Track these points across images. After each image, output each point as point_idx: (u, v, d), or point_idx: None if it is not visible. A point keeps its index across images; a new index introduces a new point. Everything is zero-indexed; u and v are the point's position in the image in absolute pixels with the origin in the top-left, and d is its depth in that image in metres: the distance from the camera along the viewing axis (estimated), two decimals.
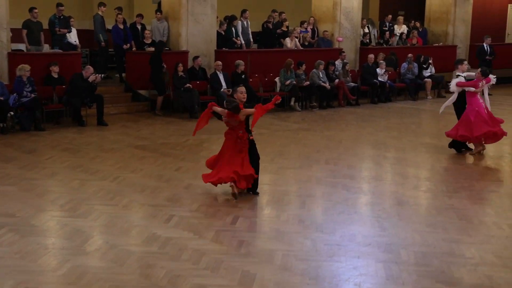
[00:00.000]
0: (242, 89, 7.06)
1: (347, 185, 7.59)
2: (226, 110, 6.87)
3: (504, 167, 8.90)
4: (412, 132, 11.45)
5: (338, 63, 15.20)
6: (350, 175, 8.14)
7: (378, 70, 15.60)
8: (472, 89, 9.41)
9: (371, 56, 15.59)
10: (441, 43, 18.74)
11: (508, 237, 5.84)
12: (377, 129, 11.79)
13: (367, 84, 15.44)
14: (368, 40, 17.21)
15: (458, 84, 9.53)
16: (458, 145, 9.70)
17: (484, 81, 9.52)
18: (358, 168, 8.61)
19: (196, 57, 13.44)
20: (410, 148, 9.98)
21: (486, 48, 17.43)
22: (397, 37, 17.96)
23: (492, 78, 9.64)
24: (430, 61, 16.51)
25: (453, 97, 9.58)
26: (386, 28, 17.90)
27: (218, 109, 7.03)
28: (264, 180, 7.99)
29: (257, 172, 7.00)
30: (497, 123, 9.48)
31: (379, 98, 15.51)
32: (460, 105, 9.61)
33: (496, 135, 9.36)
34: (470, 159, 9.36)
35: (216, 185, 6.99)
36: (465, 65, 9.76)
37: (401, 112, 14.04)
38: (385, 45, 17.49)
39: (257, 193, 7.09)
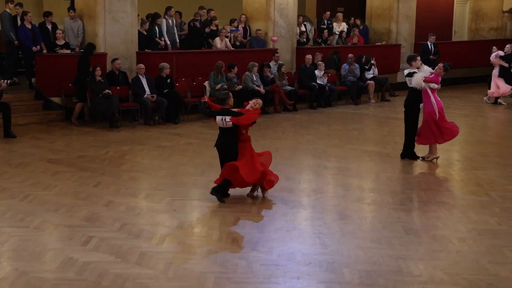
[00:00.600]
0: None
1: (285, 199, 7.70)
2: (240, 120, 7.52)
3: (453, 175, 9.27)
4: (355, 140, 11.74)
5: (272, 65, 15.41)
6: (288, 187, 8.26)
7: (316, 72, 15.91)
8: (436, 86, 9.72)
9: (309, 56, 15.88)
10: (383, 42, 19.32)
11: (459, 251, 6.08)
12: (316, 136, 12.02)
13: (305, 88, 15.72)
14: (305, 40, 17.55)
15: (426, 80, 9.69)
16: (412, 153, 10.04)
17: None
18: (296, 180, 8.75)
19: (114, 59, 13.30)
20: (353, 156, 10.23)
21: (430, 47, 18.12)
22: (337, 36, 18.41)
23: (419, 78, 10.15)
24: (373, 62, 17.00)
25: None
26: (325, 26, 18.30)
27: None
28: (194, 195, 7.98)
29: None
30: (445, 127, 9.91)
31: (318, 102, 15.81)
32: (410, 105, 9.87)
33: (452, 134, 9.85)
34: (417, 167, 9.70)
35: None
36: (419, 61, 10.09)
37: (343, 118, 14.38)
38: (323, 45, 17.87)
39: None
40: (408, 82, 9.95)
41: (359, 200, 7.75)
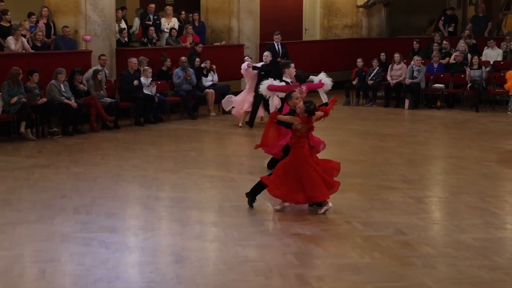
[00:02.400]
0: (296, 94, 8.87)
1: (106, 241, 7.55)
2: (298, 117, 8.44)
3: None
4: (193, 162, 11.79)
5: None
6: (110, 226, 8.11)
7: (142, 79, 15.84)
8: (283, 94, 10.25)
9: (134, 60, 15.77)
10: (223, 42, 19.70)
11: None
12: (145, 160, 11.94)
13: (128, 99, 15.59)
14: (126, 39, 17.42)
15: (270, 88, 10.36)
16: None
17: (303, 87, 10.61)
18: (120, 216, 8.62)
19: None
20: (191, 183, 10.25)
21: (277, 48, 18.71)
22: (166, 34, 18.47)
23: (328, 82, 10.97)
24: (206, 65, 17.14)
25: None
26: (150, 22, 18.30)
27: (285, 117, 8.64)
28: None
29: None
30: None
31: (145, 117, 15.74)
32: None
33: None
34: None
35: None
36: (293, 68, 10.75)
37: (177, 136, 14.41)
38: (150, 45, 17.84)
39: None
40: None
41: (200, 237, 7.76)
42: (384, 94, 19.46)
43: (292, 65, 11.12)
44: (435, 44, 20.01)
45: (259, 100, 14.60)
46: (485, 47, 20.07)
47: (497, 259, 7.00)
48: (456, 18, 23.31)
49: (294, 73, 10.91)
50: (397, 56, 19.12)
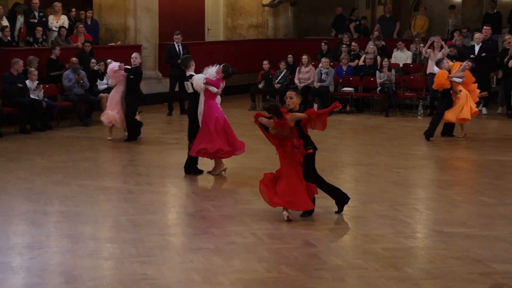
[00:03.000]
0: (291, 93, 8.96)
1: None
2: (272, 121, 8.73)
3: (212, 213, 9.56)
4: (86, 173, 11.64)
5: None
6: None
7: (28, 82, 15.54)
8: (215, 89, 11.04)
9: (19, 62, 15.43)
10: (119, 42, 19.52)
11: None
12: (32, 172, 11.73)
13: (12, 104, 15.24)
14: (9, 38, 17.03)
15: (208, 81, 10.98)
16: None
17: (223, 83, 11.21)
18: (3, 234, 8.44)
19: None
20: (84, 196, 10.13)
21: (178, 49, 18.68)
22: (55, 33, 18.17)
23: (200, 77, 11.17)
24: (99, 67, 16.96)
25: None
26: (36, 20, 17.95)
27: (264, 119, 8.90)
28: None
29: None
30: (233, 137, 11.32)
31: (32, 124, 15.45)
32: (195, 113, 11.14)
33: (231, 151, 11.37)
34: (169, 205, 9.88)
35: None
36: (193, 65, 11.35)
37: (68, 144, 14.21)
38: (36, 45, 17.50)
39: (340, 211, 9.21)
40: (186, 87, 11.35)
41: (93, 255, 7.66)
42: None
43: (192, 61, 11.56)
44: (344, 46, 20.41)
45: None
46: (395, 49, 20.58)
47: (407, 269, 7.18)
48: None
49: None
50: (304, 58, 19.38)
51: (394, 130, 16.30)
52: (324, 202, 9.74)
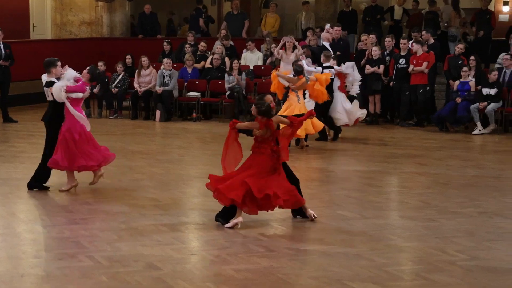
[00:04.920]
0: (269, 97, 9.67)
1: None
2: (256, 122, 9.49)
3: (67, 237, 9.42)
4: None
5: None
6: None
7: None
8: (80, 94, 11.04)
9: None
10: None
11: None
12: None
13: None
14: None
15: (69, 89, 10.92)
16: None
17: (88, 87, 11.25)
18: None
19: None
20: None
21: (0, 49, 18.20)
22: None
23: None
24: None
25: None
26: None
27: (244, 123, 9.84)
28: None
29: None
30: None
31: None
32: (53, 123, 11.17)
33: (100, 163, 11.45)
34: (21, 216, 9.62)
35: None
36: (59, 67, 11.21)
37: None
38: None
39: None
40: (46, 94, 11.21)
41: None
42: (131, 103, 19.54)
43: (59, 63, 11.34)
44: (187, 46, 20.43)
45: None
46: (244, 50, 20.80)
47: None
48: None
49: (62, 72, 11.24)
50: (144, 60, 19.32)
51: (246, 139, 16.47)
52: (170, 219, 9.75)
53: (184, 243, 9.03)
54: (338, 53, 18.05)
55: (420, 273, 7.80)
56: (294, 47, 18.01)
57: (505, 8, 26.11)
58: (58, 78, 11.13)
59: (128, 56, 20.18)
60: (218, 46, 20.30)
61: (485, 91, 17.41)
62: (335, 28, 19.09)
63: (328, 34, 18.65)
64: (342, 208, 10.46)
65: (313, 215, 9.82)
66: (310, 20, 23.05)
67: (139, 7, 25.78)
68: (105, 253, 8.41)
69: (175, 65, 19.65)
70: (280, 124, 9.66)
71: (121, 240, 8.89)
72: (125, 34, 24.98)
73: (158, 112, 18.86)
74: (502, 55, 18.38)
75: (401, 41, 18.75)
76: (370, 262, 8.19)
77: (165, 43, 20.96)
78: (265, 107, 9.46)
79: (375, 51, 18.63)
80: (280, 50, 18.25)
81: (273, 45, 19.84)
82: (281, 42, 18.59)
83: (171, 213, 10.17)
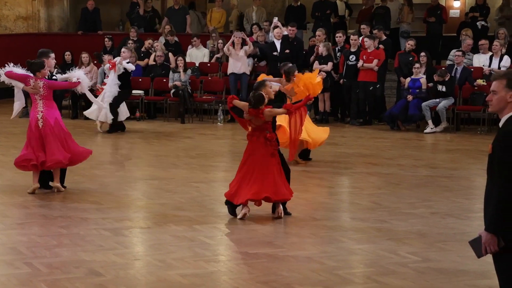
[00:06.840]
0: (268, 88, 9.78)
1: None
2: (247, 105, 9.56)
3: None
4: None
5: None
6: None
7: None
8: (21, 85, 11.07)
9: None
10: None
11: None
12: None
13: None
14: None
15: (8, 75, 11.03)
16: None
17: (40, 81, 11.06)
18: None
19: None
20: None
21: None
22: None
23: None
24: None
25: None
26: None
27: (240, 103, 9.89)
28: None
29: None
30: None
31: None
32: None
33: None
34: None
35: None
36: (51, 59, 11.77)
37: None
38: None
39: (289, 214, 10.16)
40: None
41: None
42: (71, 103, 19.38)
43: (52, 54, 12.11)
44: (130, 42, 20.30)
45: None
46: (189, 46, 20.76)
47: None
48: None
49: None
50: (85, 56, 19.20)
51: (192, 139, 16.51)
52: (112, 223, 9.71)
53: (127, 248, 9.00)
54: (287, 50, 18.15)
55: (372, 276, 7.88)
56: (243, 43, 18.03)
57: (456, 4, 26.45)
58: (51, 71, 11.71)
59: (67, 53, 19.98)
60: (156, 44, 20.13)
61: (439, 87, 17.49)
62: (289, 27, 19.02)
63: (280, 31, 18.64)
64: (292, 210, 10.46)
65: (280, 213, 10.05)
66: (262, 15, 22.75)
67: (79, 2, 25.57)
68: (44, 260, 8.34)
69: None
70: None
71: (61, 246, 8.83)
72: (64, 30, 24.76)
73: None
74: (454, 52, 18.52)
75: (352, 37, 18.86)
76: (320, 265, 8.24)
77: (106, 39, 20.78)
78: (252, 97, 9.61)
79: (321, 48, 18.57)
80: (230, 46, 18.27)
81: (220, 41, 19.84)
82: (232, 38, 18.60)
83: (114, 216, 10.12)
